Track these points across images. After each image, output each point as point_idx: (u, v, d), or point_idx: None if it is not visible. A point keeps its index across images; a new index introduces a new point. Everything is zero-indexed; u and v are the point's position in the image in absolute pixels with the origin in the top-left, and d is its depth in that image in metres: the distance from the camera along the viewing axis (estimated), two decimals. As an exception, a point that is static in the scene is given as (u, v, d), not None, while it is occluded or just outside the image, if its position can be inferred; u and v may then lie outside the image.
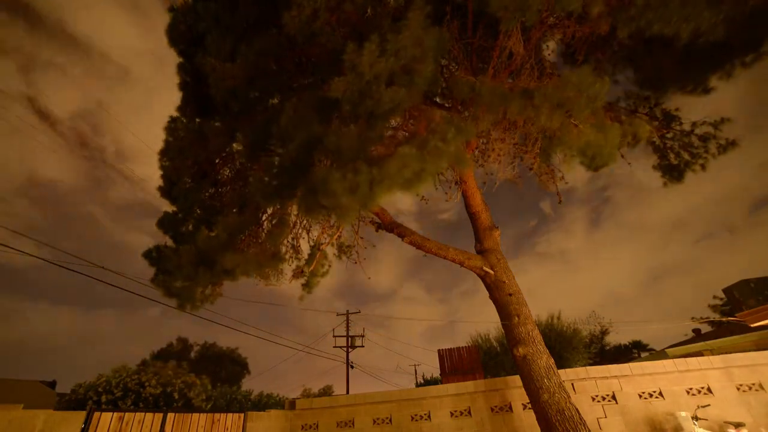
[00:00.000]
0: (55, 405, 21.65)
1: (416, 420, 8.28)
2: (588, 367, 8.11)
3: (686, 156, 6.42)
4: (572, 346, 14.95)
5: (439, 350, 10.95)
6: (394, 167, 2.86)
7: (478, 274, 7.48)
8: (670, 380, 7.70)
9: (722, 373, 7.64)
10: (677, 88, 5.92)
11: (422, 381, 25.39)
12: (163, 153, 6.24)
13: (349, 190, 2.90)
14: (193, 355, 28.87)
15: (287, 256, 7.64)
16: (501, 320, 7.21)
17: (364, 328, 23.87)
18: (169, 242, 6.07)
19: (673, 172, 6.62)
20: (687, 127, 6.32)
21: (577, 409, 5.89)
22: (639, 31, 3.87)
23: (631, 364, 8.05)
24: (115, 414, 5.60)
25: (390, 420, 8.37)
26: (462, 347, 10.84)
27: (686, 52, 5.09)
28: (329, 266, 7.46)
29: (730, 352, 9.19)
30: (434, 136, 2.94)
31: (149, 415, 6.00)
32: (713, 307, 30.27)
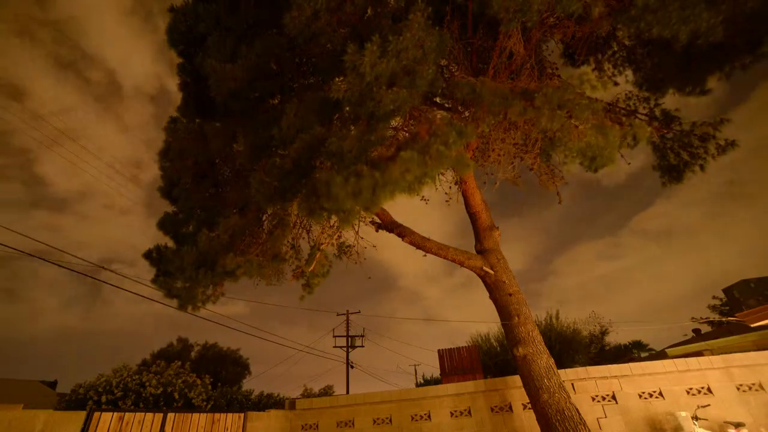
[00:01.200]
0: (55, 405, 21.66)
1: (416, 420, 8.29)
2: (588, 367, 8.12)
3: (686, 156, 6.43)
4: (572, 346, 14.95)
5: (439, 350, 10.96)
6: (396, 171, 2.87)
7: (478, 274, 7.49)
8: (670, 380, 7.71)
9: (722, 373, 7.65)
10: (676, 89, 5.93)
11: (422, 381, 25.42)
12: (164, 154, 6.25)
13: (351, 194, 2.90)
14: (193, 355, 28.83)
15: (288, 257, 7.65)
16: (501, 320, 7.22)
17: (364, 328, 23.88)
18: (170, 243, 6.07)
19: (672, 173, 6.62)
20: (686, 127, 6.33)
21: (577, 409, 5.90)
22: (639, 33, 3.88)
23: (631, 364, 8.06)
24: (116, 414, 5.61)
25: (390, 420, 8.38)
26: (462, 347, 10.84)
27: (685, 54, 5.10)
28: (329, 266, 7.47)
29: (730, 352, 9.22)
30: (436, 140, 2.95)
31: (149, 415, 6.01)
32: (713, 307, 30.31)
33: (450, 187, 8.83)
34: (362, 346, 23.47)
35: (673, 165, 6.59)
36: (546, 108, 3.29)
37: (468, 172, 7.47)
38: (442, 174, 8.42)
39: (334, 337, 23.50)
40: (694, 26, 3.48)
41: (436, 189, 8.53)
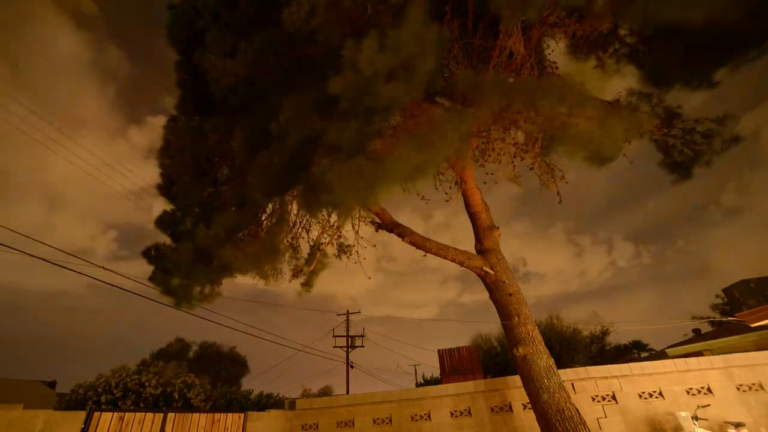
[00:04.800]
0: (55, 405, 21.62)
1: (416, 420, 8.26)
2: (588, 367, 8.10)
3: (689, 153, 6.37)
4: (572, 346, 14.94)
5: (439, 350, 10.94)
6: (395, 161, 2.84)
7: (479, 274, 7.47)
8: (670, 380, 7.68)
9: (722, 373, 7.62)
10: (682, 84, 5.84)
11: (422, 381, 25.36)
12: (163, 151, 6.23)
13: (350, 186, 2.88)
14: (191, 354, 28.82)
15: (287, 256, 7.62)
16: (501, 320, 7.19)
17: (363, 327, 23.84)
18: (168, 241, 6.05)
19: (679, 170, 6.54)
20: (690, 124, 6.28)
21: (577, 409, 5.88)
22: (646, 19, 3.78)
23: (631, 364, 8.04)
24: (115, 414, 5.59)
25: (390, 420, 8.35)
26: (462, 347, 10.82)
27: (691, 47, 5.03)
28: (329, 266, 7.44)
29: (730, 352, 9.20)
30: (436, 129, 2.93)
31: (149, 415, 5.98)
32: (713, 307, 30.29)
33: (450, 187, 8.80)
34: (362, 346, 23.43)
35: (678, 162, 6.52)
36: (552, 95, 3.25)
37: (467, 170, 7.44)
38: (442, 174, 8.39)
39: (334, 337, 23.45)
40: (704, 10, 3.40)
41: (437, 188, 8.50)
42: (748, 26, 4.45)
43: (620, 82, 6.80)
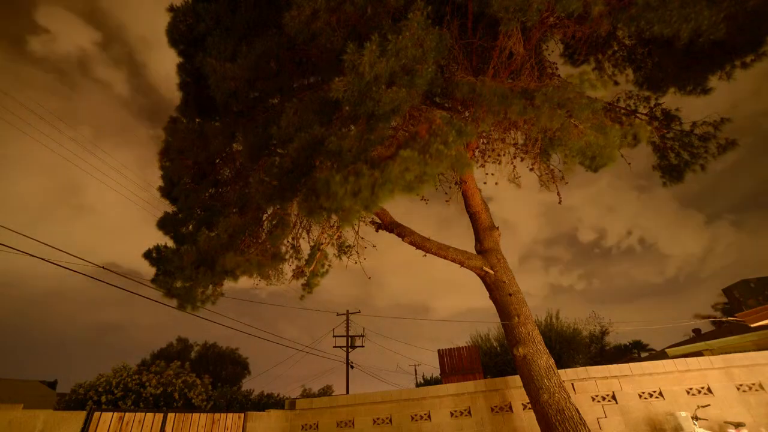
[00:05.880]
0: (55, 405, 21.64)
1: (416, 420, 8.28)
2: (588, 367, 8.11)
3: (686, 156, 6.42)
4: (572, 346, 14.95)
5: (439, 350, 10.97)
6: (396, 171, 2.86)
7: (478, 275, 7.49)
8: (670, 380, 7.70)
9: (722, 373, 7.64)
10: (677, 88, 5.93)
11: (422, 381, 25.38)
12: (164, 153, 6.25)
13: (351, 193, 2.90)
14: (193, 355, 28.85)
15: (287, 256, 7.64)
16: (501, 320, 7.21)
17: (364, 327, 23.87)
18: (170, 243, 6.07)
19: (672, 172, 6.61)
20: (687, 127, 6.33)
21: (577, 409, 5.89)
22: (639, 31, 3.88)
23: (631, 364, 8.05)
24: (116, 414, 5.61)
25: (390, 420, 8.37)
26: (462, 347, 10.85)
27: (686, 53, 5.10)
28: (329, 266, 7.46)
29: (730, 352, 9.21)
30: (436, 139, 2.95)
31: (149, 415, 6.00)
32: (713, 307, 30.31)
33: (450, 187, 8.83)
34: (362, 346, 23.47)
35: (673, 165, 6.58)
36: (546, 107, 3.29)
37: (467, 171, 7.46)
38: (442, 174, 8.41)
39: (334, 337, 23.49)
40: (695, 24, 3.48)
41: (436, 189, 8.52)
42: (737, 40, 4.50)
43: (618, 85, 6.84)
